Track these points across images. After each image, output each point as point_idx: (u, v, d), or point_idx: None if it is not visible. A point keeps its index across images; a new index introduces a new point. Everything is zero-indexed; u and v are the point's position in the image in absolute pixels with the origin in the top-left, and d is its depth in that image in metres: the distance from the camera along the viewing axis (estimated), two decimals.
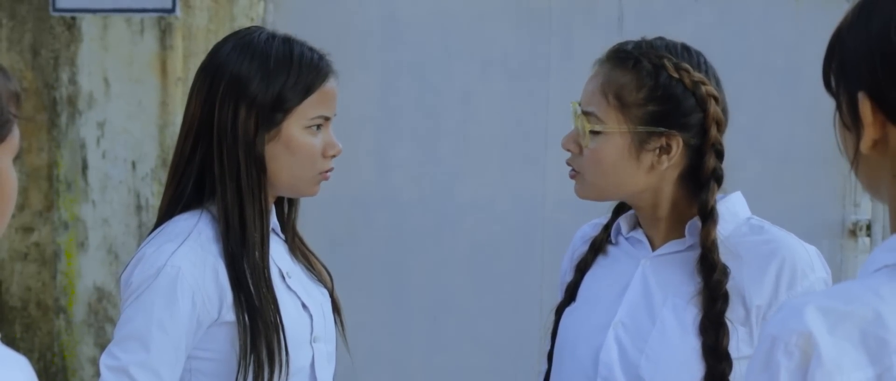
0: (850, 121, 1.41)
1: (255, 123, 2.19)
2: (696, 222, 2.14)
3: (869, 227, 4.24)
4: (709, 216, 2.12)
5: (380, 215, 4.48)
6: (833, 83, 1.44)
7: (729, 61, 4.29)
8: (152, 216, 4.39)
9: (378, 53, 4.43)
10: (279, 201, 2.34)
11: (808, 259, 2.11)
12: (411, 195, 4.46)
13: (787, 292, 2.08)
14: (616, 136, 2.11)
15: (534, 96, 4.33)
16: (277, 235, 2.31)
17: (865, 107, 1.38)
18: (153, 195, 4.45)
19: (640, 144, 2.11)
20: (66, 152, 4.50)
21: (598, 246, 2.28)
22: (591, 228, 2.35)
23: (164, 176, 4.31)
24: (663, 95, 2.11)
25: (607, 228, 2.29)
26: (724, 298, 2.09)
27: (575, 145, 2.15)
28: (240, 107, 2.19)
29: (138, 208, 4.48)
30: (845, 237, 4.26)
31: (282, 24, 4.36)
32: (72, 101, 4.49)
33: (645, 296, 2.17)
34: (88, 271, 4.54)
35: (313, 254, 2.39)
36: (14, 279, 4.62)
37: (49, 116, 4.50)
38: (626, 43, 2.17)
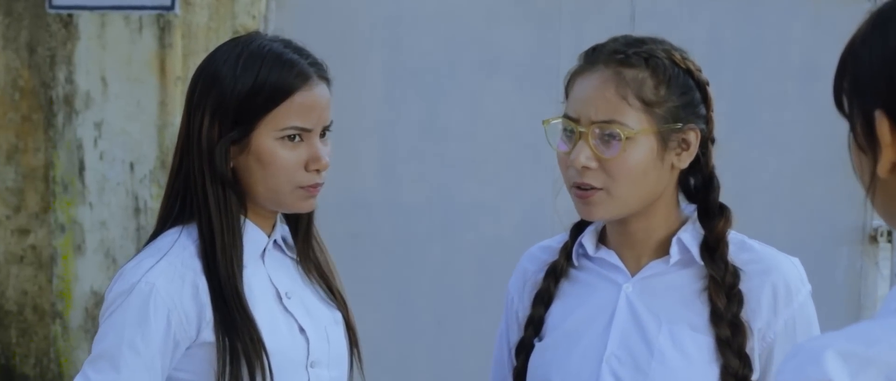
0: (865, 142, 1.30)
1: (217, 132, 2.11)
2: (682, 237, 2.06)
3: (890, 233, 4.22)
4: (721, 211, 2.05)
5: (384, 218, 4.47)
6: (845, 102, 1.33)
7: (744, 60, 4.40)
8: (151, 219, 4.37)
9: (383, 52, 4.42)
10: (291, 216, 2.25)
11: (797, 274, 2.05)
12: (416, 198, 4.45)
13: (784, 311, 2.02)
14: (643, 139, 2.00)
15: (542, 97, 4.22)
16: (284, 252, 2.23)
17: (883, 126, 1.27)
18: (152, 198, 4.43)
19: (664, 143, 2.02)
20: (63, 153, 4.50)
21: (559, 272, 2.14)
22: (541, 251, 2.21)
23: (163, 178, 4.31)
24: (682, 88, 2.03)
25: (566, 249, 2.15)
26: (739, 299, 2.01)
27: (594, 161, 2.01)
28: (205, 115, 2.12)
29: (137, 210, 4.47)
30: (866, 243, 4.25)
31: (284, 22, 4.34)
32: (69, 100, 4.48)
33: (636, 325, 2.05)
34: (85, 276, 4.52)
35: (332, 275, 2.29)
36: (10, 283, 4.61)
37: (45, 116, 4.49)
38: (604, 45, 2.06)
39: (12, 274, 4.59)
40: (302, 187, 2.13)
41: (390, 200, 4.46)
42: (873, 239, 4.23)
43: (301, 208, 2.16)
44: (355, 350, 2.29)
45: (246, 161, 2.12)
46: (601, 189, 2.02)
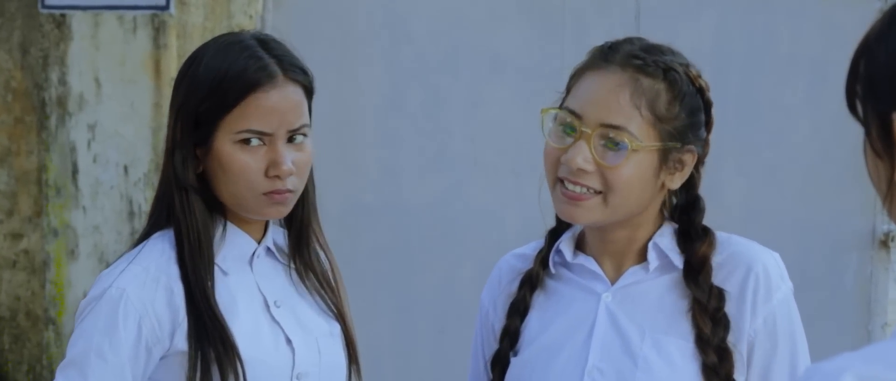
0: (881, 147, 1.23)
1: (180, 133, 2.06)
2: (659, 243, 2.00)
3: None
4: (705, 234, 2.01)
5: (385, 221, 4.46)
6: (859, 106, 1.26)
7: (752, 61, 4.39)
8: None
9: (383, 53, 4.40)
10: (285, 220, 2.19)
11: (778, 269, 2.01)
12: (418, 201, 4.45)
13: (763, 307, 1.97)
14: (647, 153, 1.94)
15: (546, 98, 4.22)
16: (278, 259, 2.17)
17: None
18: (146, 201, 4.39)
19: (663, 160, 1.96)
20: (56, 156, 4.46)
21: (535, 281, 2.06)
22: (515, 259, 2.13)
23: (157, 181, 4.22)
24: (692, 108, 1.98)
25: (541, 256, 2.07)
26: (725, 324, 1.96)
27: (592, 164, 1.94)
28: (172, 115, 2.08)
29: (131, 214, 4.43)
30: (876, 248, 4.24)
31: (281, 22, 4.33)
32: (62, 102, 4.44)
33: (618, 335, 1.98)
34: (79, 281, 4.48)
35: (334, 287, 2.23)
36: (2, 288, 4.58)
37: (38, 118, 4.46)
38: (620, 45, 1.99)
39: (5, 279, 4.56)
40: (265, 194, 2.06)
41: (390, 203, 4.45)
42: (883, 244, 4.22)
43: (268, 214, 2.09)
44: (354, 366, 2.23)
45: (210, 165, 2.06)
46: (599, 193, 1.94)
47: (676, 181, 1.99)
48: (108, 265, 4.47)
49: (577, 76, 2.00)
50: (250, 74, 2.03)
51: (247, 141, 2.03)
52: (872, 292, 4.24)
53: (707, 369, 1.95)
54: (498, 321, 2.10)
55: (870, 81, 1.24)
